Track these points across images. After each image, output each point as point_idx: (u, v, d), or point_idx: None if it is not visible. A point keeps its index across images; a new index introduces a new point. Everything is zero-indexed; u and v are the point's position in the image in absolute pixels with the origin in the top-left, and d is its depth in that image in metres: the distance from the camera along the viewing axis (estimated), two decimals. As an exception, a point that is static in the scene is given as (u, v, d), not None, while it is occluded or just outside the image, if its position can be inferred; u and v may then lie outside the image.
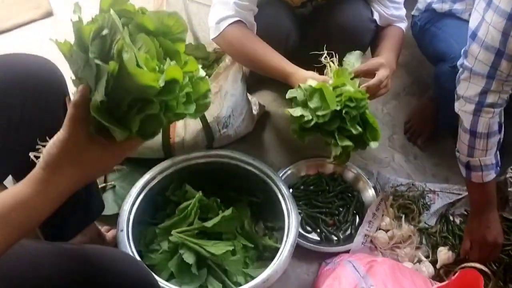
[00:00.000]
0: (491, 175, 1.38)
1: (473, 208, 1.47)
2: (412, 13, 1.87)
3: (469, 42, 1.29)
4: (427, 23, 1.76)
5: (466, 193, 1.71)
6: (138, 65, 0.63)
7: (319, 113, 1.19)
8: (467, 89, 1.33)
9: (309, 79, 1.28)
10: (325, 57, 1.36)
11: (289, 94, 1.29)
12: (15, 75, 0.96)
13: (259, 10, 1.49)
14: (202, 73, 0.74)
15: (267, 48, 1.43)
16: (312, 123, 1.22)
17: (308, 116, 1.22)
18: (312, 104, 1.21)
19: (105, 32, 0.64)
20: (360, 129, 1.22)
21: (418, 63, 2.17)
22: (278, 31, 1.55)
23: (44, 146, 0.73)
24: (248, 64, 1.60)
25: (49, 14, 2.31)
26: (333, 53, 1.37)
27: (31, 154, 0.81)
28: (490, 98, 1.30)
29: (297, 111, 1.23)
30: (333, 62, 1.35)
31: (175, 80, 0.66)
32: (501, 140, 1.39)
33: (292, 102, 1.28)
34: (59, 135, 0.66)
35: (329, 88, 1.20)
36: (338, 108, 1.19)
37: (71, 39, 0.68)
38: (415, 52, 2.14)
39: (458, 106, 1.38)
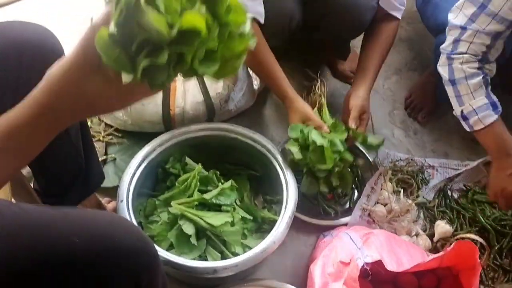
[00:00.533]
0: (490, 116, 1.36)
1: (492, 158, 1.44)
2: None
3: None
4: None
5: (465, 168, 1.72)
6: (155, 3, 0.53)
7: (318, 166, 1.41)
8: (445, 41, 1.36)
9: (313, 132, 1.43)
10: (318, 86, 1.59)
11: (291, 132, 1.46)
12: (10, 41, 0.96)
13: None
14: (246, 27, 0.61)
15: (274, 64, 1.51)
16: (308, 166, 1.44)
17: (306, 160, 1.42)
18: (314, 156, 1.41)
19: None
20: (338, 182, 1.47)
21: (420, 38, 2.16)
22: (282, 14, 1.54)
23: None
24: (252, 68, 1.65)
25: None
26: (324, 82, 1.62)
27: None
28: (460, 47, 1.34)
29: (298, 154, 1.42)
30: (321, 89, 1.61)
31: (195, 31, 0.55)
32: (489, 81, 1.38)
33: (291, 137, 1.45)
34: (67, 56, 0.60)
35: (330, 151, 1.40)
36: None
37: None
38: (418, 28, 2.13)
39: (438, 63, 1.40)
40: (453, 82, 1.37)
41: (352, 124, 1.52)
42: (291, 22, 1.57)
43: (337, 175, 1.46)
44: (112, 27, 0.55)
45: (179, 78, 1.66)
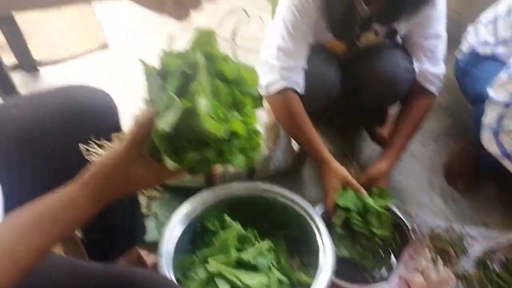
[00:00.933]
0: None
1: None
2: (455, 54, 1.90)
3: (499, 73, 1.33)
4: (469, 65, 1.78)
5: (506, 239, 1.68)
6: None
7: (375, 230, 1.50)
8: (487, 116, 1.35)
9: (366, 197, 1.51)
10: (349, 159, 1.65)
11: (341, 200, 1.51)
12: (71, 104, 1.03)
13: (308, 60, 1.55)
14: (258, 127, 0.78)
15: (310, 128, 1.56)
16: (360, 229, 1.50)
17: (362, 225, 1.50)
18: (372, 219, 1.51)
19: (187, 69, 0.70)
20: (370, 257, 1.55)
21: (459, 105, 2.17)
22: (323, 85, 1.61)
23: (97, 144, 0.79)
24: (289, 133, 1.71)
25: (104, 46, 2.44)
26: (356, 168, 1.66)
27: (82, 146, 0.83)
28: (505, 122, 1.33)
29: (356, 215, 1.49)
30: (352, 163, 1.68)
31: (236, 133, 0.71)
32: None
33: (339, 206, 1.51)
34: (116, 148, 0.72)
35: (389, 217, 1.51)
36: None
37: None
38: (457, 95, 2.15)
39: (483, 140, 1.39)
40: (507, 155, 1.36)
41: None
42: (331, 92, 1.63)
43: (370, 249, 1.52)
44: (166, 126, 0.67)
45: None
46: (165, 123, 0.67)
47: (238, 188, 1.54)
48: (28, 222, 0.66)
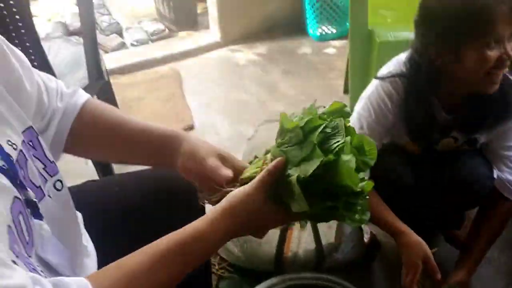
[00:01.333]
0: None
1: None
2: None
3: None
4: None
5: None
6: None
7: None
8: None
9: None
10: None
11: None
12: (159, 187, 1.13)
13: (378, 156, 1.59)
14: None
15: (383, 205, 1.57)
16: None
17: None
18: None
19: (328, 130, 0.78)
20: None
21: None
22: (396, 183, 1.62)
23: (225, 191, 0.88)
24: None
25: (190, 127, 2.64)
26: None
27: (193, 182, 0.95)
28: None
29: None
30: None
31: (363, 191, 0.79)
32: None
33: None
34: (246, 190, 0.80)
35: None
36: None
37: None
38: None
39: None
40: None
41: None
42: (404, 191, 1.62)
43: None
44: (303, 174, 0.75)
45: (297, 227, 1.78)
46: (303, 171, 0.75)
47: (308, 277, 1.55)
48: (157, 256, 0.73)
